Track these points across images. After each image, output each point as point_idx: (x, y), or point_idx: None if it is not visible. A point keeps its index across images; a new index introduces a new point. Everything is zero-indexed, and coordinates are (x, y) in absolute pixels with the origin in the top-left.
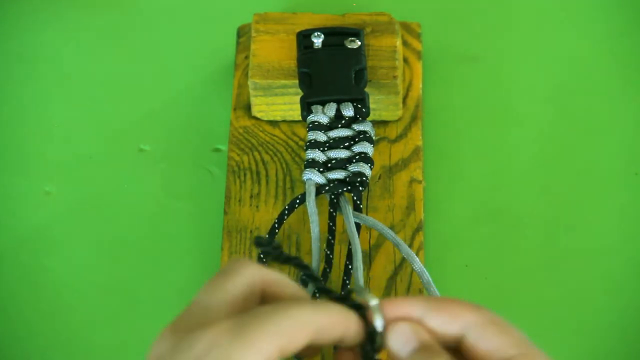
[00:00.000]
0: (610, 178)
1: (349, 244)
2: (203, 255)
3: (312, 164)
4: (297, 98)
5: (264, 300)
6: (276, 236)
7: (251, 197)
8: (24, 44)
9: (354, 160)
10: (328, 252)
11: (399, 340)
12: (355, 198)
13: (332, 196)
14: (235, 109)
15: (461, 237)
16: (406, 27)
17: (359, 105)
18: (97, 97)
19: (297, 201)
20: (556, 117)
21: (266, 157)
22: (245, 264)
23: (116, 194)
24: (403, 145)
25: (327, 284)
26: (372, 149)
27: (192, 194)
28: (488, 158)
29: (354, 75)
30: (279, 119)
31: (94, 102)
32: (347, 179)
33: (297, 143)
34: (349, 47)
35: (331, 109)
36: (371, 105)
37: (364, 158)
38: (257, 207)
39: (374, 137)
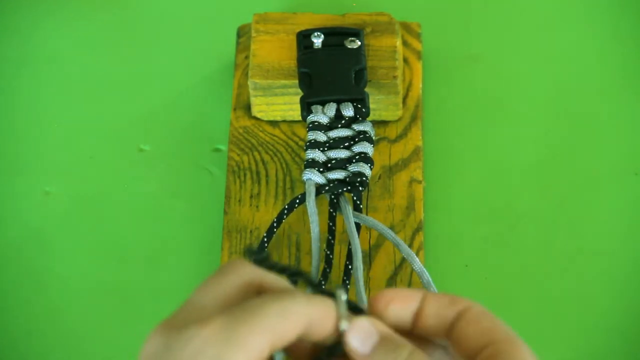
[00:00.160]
0: (610, 178)
1: (349, 244)
2: (203, 255)
3: (312, 164)
4: (297, 98)
5: None
6: (276, 236)
7: (251, 197)
8: (24, 44)
9: (354, 160)
10: (328, 252)
11: (357, 337)
12: (355, 198)
13: (332, 196)
14: (235, 109)
15: (461, 237)
16: (406, 27)
17: (359, 105)
18: (97, 97)
19: (297, 201)
20: (556, 117)
21: (266, 157)
22: (241, 264)
23: (116, 194)
24: (403, 145)
25: (327, 284)
26: (372, 149)
27: (192, 194)
28: (488, 158)
29: (354, 75)
30: (279, 119)
31: (94, 102)
32: (347, 179)
33: (297, 143)
34: (349, 47)
35: (331, 109)
36: (371, 105)
37: (364, 158)
38: (257, 207)
39: (374, 137)
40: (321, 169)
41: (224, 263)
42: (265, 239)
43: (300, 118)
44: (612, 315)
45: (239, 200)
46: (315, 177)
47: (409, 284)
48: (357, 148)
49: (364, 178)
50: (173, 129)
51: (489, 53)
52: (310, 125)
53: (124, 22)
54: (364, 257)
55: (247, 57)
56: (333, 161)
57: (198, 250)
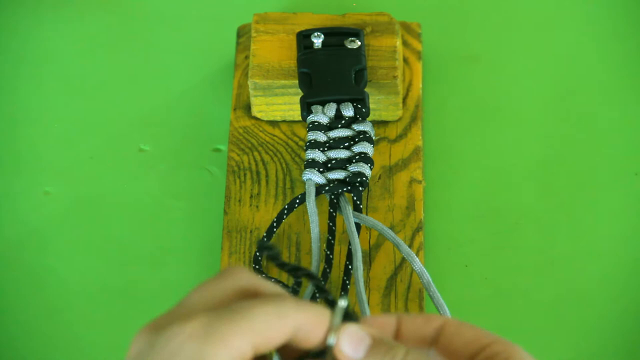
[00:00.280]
0: (610, 178)
1: (349, 244)
2: (203, 255)
3: (312, 164)
4: (297, 98)
5: None
6: (276, 236)
7: (251, 197)
8: (24, 44)
9: (354, 160)
10: (328, 252)
11: (348, 344)
12: (355, 198)
13: (332, 196)
14: (235, 109)
15: (461, 237)
16: (406, 27)
17: (359, 105)
18: (97, 97)
19: (297, 201)
20: (556, 117)
21: (266, 157)
22: (239, 270)
23: (116, 194)
24: (403, 145)
25: (327, 284)
26: (372, 149)
27: (192, 194)
28: (488, 158)
29: (354, 75)
30: (279, 119)
31: (94, 102)
32: (347, 179)
33: (297, 143)
34: (349, 47)
35: (331, 109)
36: (371, 105)
37: (364, 158)
38: (257, 207)
39: (374, 137)
40: (321, 169)
41: (224, 267)
42: (265, 238)
43: (300, 118)
44: (612, 316)
45: (239, 200)
46: (315, 177)
47: (409, 284)
48: (357, 148)
49: (364, 178)
50: (173, 129)
51: (489, 53)
52: (310, 125)
53: (124, 22)
54: (364, 257)
55: (247, 57)
56: (333, 161)
57: (198, 250)
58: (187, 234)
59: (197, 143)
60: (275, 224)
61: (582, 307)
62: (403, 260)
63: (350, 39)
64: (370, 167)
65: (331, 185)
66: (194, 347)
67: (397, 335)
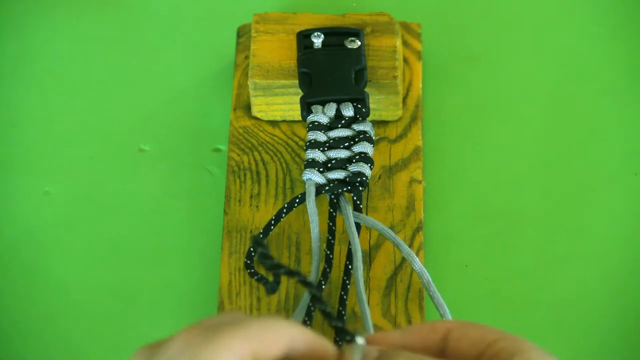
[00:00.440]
0: (610, 178)
1: (349, 243)
2: (203, 255)
3: (312, 164)
4: (297, 98)
5: None
6: (276, 236)
7: (251, 197)
8: (24, 44)
9: (354, 160)
10: (328, 252)
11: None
12: (355, 198)
13: (332, 196)
14: (235, 109)
15: (461, 237)
16: (406, 27)
17: (359, 105)
18: (97, 97)
19: (297, 200)
20: (556, 117)
21: (266, 157)
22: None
23: (116, 194)
24: (403, 145)
25: (327, 284)
26: (372, 149)
27: (192, 194)
28: (488, 158)
29: (354, 75)
30: (279, 119)
31: (94, 102)
32: (347, 179)
33: (297, 143)
34: (349, 47)
35: (331, 109)
36: (371, 105)
37: (364, 158)
38: (257, 207)
39: (374, 137)
40: (321, 169)
41: (224, 268)
42: (261, 235)
43: (300, 118)
44: (612, 316)
45: (239, 200)
46: (315, 177)
47: (409, 284)
48: (357, 148)
49: (364, 178)
50: (173, 129)
51: (489, 53)
52: (310, 125)
53: (124, 22)
54: (364, 257)
55: (247, 57)
56: (333, 161)
57: (198, 250)
58: (187, 234)
59: (197, 143)
60: (273, 222)
61: (582, 307)
62: (403, 260)
63: (350, 39)
64: (370, 167)
65: (331, 185)
66: (193, 349)
67: (406, 347)
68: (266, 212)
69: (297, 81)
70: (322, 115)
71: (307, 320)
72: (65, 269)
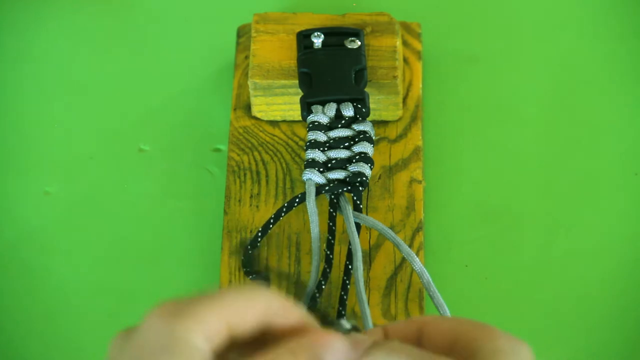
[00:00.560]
0: (610, 178)
1: (349, 243)
2: (203, 255)
3: (312, 164)
4: (297, 98)
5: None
6: (276, 236)
7: (251, 197)
8: (24, 44)
9: (354, 160)
10: (328, 252)
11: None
12: (355, 198)
13: (332, 196)
14: (235, 109)
15: (461, 237)
16: (406, 27)
17: (359, 105)
18: (97, 97)
19: (297, 200)
20: (556, 117)
21: (266, 157)
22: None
23: (116, 194)
24: (403, 145)
25: (326, 284)
26: (372, 149)
27: (192, 194)
28: (488, 158)
29: (354, 75)
30: (279, 119)
31: (94, 102)
32: (347, 179)
33: (297, 143)
34: (349, 47)
35: (331, 109)
36: (371, 105)
37: (364, 158)
38: (257, 207)
39: (374, 137)
40: (321, 169)
41: (223, 267)
42: (260, 234)
43: (300, 118)
44: (612, 315)
45: (239, 200)
46: (315, 177)
47: (409, 284)
48: (357, 148)
49: (364, 178)
50: (173, 129)
51: (489, 53)
52: (311, 125)
53: (124, 22)
54: (364, 257)
55: (247, 57)
56: (333, 161)
57: (198, 250)
58: (187, 234)
59: (197, 143)
60: (272, 221)
61: (582, 307)
62: (403, 260)
63: (350, 39)
64: (370, 167)
65: (331, 185)
66: (165, 324)
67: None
68: (266, 212)
69: (297, 81)
70: (322, 115)
71: None
72: (65, 269)
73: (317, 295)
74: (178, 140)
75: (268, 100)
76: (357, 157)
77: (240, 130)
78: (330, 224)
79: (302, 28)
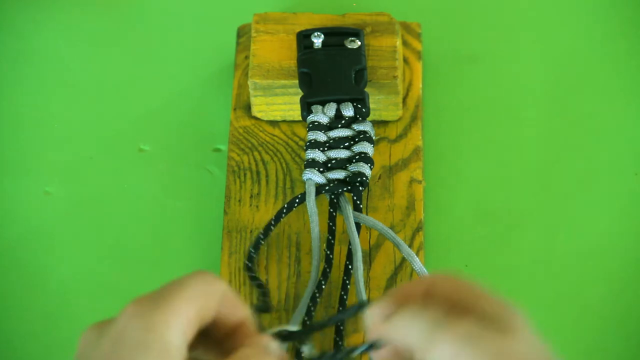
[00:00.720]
0: (610, 178)
1: (349, 243)
2: (203, 255)
3: (312, 163)
4: (297, 98)
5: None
6: (276, 236)
7: (251, 197)
8: (24, 44)
9: (354, 160)
10: (328, 252)
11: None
12: (355, 198)
13: (332, 196)
14: (235, 109)
15: (461, 237)
16: (406, 27)
17: (359, 105)
18: (97, 97)
19: (297, 200)
20: (556, 117)
21: (266, 157)
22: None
23: (116, 194)
24: (403, 145)
25: (326, 284)
26: (372, 149)
27: (192, 194)
28: (488, 158)
29: (354, 75)
30: (279, 119)
31: (94, 102)
32: (347, 179)
33: (297, 143)
34: (349, 47)
35: (331, 109)
36: (371, 105)
37: (364, 158)
38: (257, 207)
39: (374, 137)
40: (321, 169)
41: (223, 267)
42: (262, 237)
43: (300, 118)
44: (612, 315)
45: (239, 200)
46: (315, 176)
47: None
48: (357, 148)
49: (364, 178)
50: (173, 129)
51: (489, 53)
52: (311, 125)
53: (124, 22)
54: (364, 257)
55: (247, 57)
56: (333, 161)
57: (198, 250)
58: (187, 234)
59: (197, 143)
60: (273, 222)
61: (582, 307)
62: (403, 260)
63: (350, 39)
64: (370, 166)
65: (331, 185)
66: (140, 319)
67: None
68: (266, 212)
69: (297, 81)
70: (322, 115)
71: (307, 320)
72: (66, 269)
73: (317, 295)
74: (178, 140)
75: (268, 100)
76: (357, 157)
77: (240, 130)
78: (330, 223)
79: (302, 28)
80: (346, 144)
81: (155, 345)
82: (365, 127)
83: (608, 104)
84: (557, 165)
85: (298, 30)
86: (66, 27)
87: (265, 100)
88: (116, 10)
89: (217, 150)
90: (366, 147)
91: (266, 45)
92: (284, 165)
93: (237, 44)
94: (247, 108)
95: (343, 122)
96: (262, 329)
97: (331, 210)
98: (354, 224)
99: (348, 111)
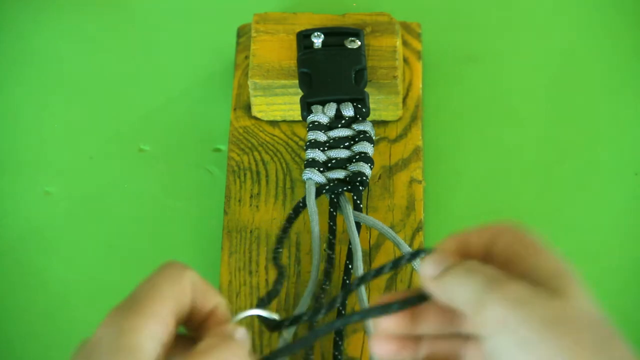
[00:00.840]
0: (610, 178)
1: (349, 243)
2: (203, 255)
3: (312, 163)
4: (297, 98)
5: None
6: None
7: (251, 197)
8: (24, 44)
9: (354, 160)
10: (329, 252)
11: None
12: (355, 197)
13: (332, 196)
14: (235, 109)
15: None
16: (406, 27)
17: (359, 105)
18: (97, 97)
19: (301, 205)
20: (556, 117)
21: (266, 157)
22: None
23: (116, 194)
24: (403, 145)
25: (327, 284)
26: (372, 149)
27: (192, 194)
28: (488, 158)
29: (354, 75)
30: (279, 119)
31: (94, 102)
32: (347, 179)
33: (297, 143)
34: (349, 47)
35: (331, 109)
36: (371, 105)
37: (364, 158)
38: (257, 207)
39: (374, 137)
40: (321, 169)
41: (223, 267)
42: (278, 247)
43: (300, 118)
44: (612, 315)
45: (239, 200)
46: (315, 176)
47: (409, 284)
48: (357, 148)
49: (364, 177)
50: (173, 129)
51: (489, 53)
52: (311, 125)
53: (124, 22)
54: (364, 256)
55: (247, 57)
56: (333, 161)
57: (198, 250)
58: (187, 234)
59: (197, 143)
60: (283, 233)
61: None
62: None
63: (350, 39)
64: (370, 166)
65: (331, 184)
66: (114, 326)
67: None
68: (266, 212)
69: (297, 81)
70: (322, 115)
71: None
72: (66, 269)
73: (322, 296)
74: (178, 140)
75: (268, 100)
76: (357, 157)
77: (240, 130)
78: (331, 223)
79: (302, 28)
80: (346, 144)
81: (124, 350)
82: (365, 127)
83: (608, 104)
84: (557, 165)
85: (298, 30)
86: (66, 27)
87: (265, 100)
88: (116, 10)
89: (217, 150)
90: (366, 147)
91: (266, 45)
92: (284, 165)
93: (237, 44)
94: (247, 108)
95: (343, 122)
96: (233, 314)
97: (331, 209)
98: (354, 224)
99: (348, 111)
